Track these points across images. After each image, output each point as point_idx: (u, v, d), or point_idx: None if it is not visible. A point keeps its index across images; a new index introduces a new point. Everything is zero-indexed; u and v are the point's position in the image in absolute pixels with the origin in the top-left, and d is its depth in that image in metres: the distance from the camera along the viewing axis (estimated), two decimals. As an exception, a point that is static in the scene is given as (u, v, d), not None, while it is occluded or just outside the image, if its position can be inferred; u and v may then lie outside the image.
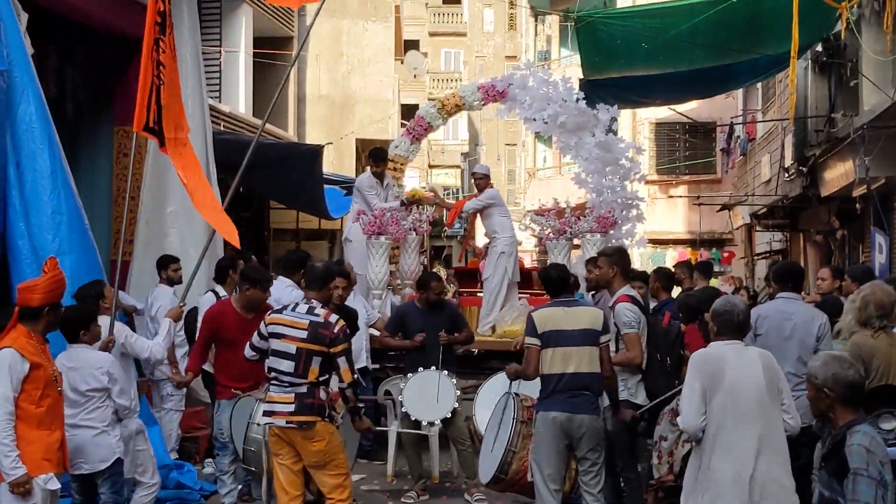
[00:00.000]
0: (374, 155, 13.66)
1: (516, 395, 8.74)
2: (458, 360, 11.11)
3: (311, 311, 7.63)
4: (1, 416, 6.28)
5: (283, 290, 9.65)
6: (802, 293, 8.99)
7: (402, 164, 14.34)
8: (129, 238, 12.80)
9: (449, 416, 10.04)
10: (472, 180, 14.25)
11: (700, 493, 6.15)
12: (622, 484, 8.82)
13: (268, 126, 21.84)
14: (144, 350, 8.52)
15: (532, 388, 8.65)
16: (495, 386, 9.75)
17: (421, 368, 10.32)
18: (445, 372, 10.23)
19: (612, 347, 8.59)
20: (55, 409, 6.62)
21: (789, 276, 8.59)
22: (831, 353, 5.43)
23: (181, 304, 9.12)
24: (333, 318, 7.65)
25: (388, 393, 11.07)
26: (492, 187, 13.51)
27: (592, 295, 10.83)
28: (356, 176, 24.92)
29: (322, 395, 7.56)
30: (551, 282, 8.34)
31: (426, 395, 10.16)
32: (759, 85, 22.12)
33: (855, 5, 13.45)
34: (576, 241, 13.38)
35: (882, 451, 5.03)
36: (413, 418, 10.21)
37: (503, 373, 9.32)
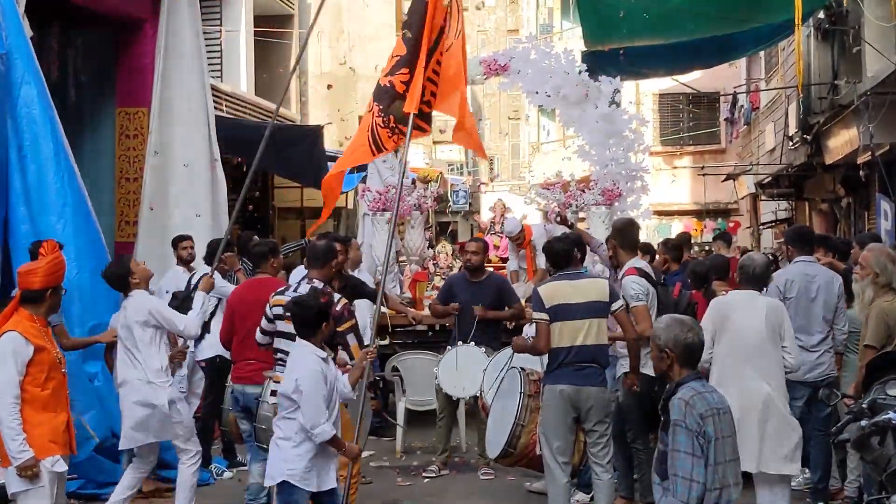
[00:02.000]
0: None
1: (522, 368, 8.73)
2: (501, 334, 10.73)
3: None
4: (6, 400, 6.27)
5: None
6: (815, 255, 9.11)
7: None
8: (133, 220, 12.83)
9: (478, 392, 9.94)
10: (511, 241, 14.16)
11: None
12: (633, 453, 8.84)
13: (270, 104, 21.86)
14: (180, 322, 8.21)
15: (530, 361, 8.68)
16: (503, 360, 9.75)
17: (460, 343, 10.24)
18: (482, 348, 10.11)
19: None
20: (60, 392, 6.60)
21: (806, 239, 9.19)
22: (674, 316, 5.69)
23: (210, 276, 8.95)
24: (336, 296, 7.65)
25: (395, 369, 11.08)
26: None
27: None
28: (360, 153, 24.98)
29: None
30: (556, 255, 8.30)
31: (460, 369, 10.13)
32: (761, 54, 22.04)
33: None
34: (581, 214, 13.36)
35: (704, 405, 5.19)
36: (444, 391, 10.23)
37: (509, 347, 9.34)
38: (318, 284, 7.70)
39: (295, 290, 7.70)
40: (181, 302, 9.80)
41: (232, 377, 8.75)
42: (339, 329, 7.53)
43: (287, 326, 7.51)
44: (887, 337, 7.51)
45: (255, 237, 12.20)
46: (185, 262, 11.13)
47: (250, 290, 8.81)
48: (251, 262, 9.53)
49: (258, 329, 7.85)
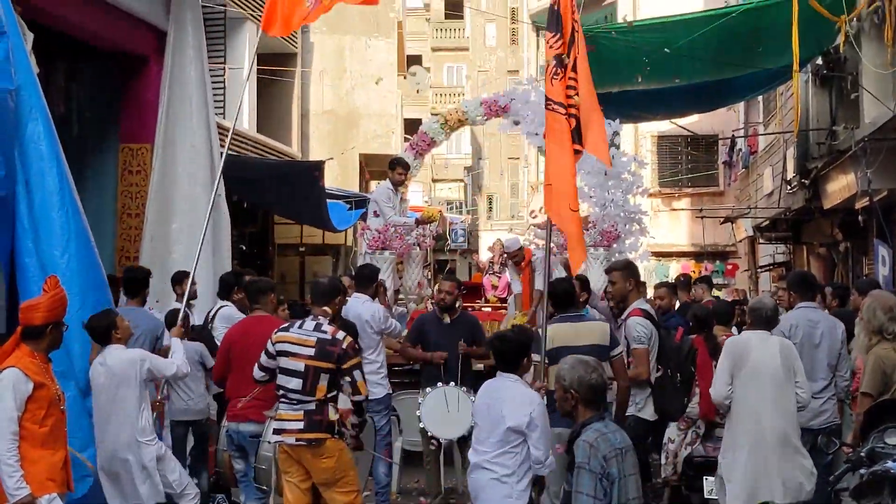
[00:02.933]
0: (398, 162, 13.62)
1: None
2: (476, 375, 10.49)
3: (318, 327, 7.64)
4: (4, 436, 6.28)
5: (360, 304, 9.66)
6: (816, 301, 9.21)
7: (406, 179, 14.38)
8: (134, 255, 12.88)
9: (466, 433, 9.85)
10: (509, 259, 14.15)
11: (731, 451, 7.76)
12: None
13: (271, 142, 21.98)
14: (170, 367, 8.16)
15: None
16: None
17: (440, 384, 10.08)
18: (463, 388, 9.98)
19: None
20: (59, 429, 6.62)
21: (808, 285, 9.36)
22: (578, 358, 5.79)
23: (180, 325, 8.97)
24: (340, 334, 7.67)
25: (392, 409, 11.07)
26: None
27: (611, 309, 10.38)
28: (359, 190, 25.10)
29: (331, 412, 7.57)
30: (558, 296, 8.34)
31: (443, 411, 9.98)
32: (759, 98, 22.16)
33: (854, 18, 13.49)
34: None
35: (608, 447, 5.29)
36: (430, 434, 10.08)
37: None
38: (323, 321, 7.72)
39: (300, 327, 7.69)
40: (198, 334, 9.96)
41: (227, 415, 8.76)
42: (343, 367, 7.53)
43: (291, 363, 7.54)
44: (884, 385, 7.54)
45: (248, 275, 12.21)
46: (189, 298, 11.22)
47: (247, 327, 8.85)
48: (248, 300, 9.53)
49: (256, 365, 7.82)
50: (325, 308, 7.90)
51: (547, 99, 8.25)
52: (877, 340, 7.76)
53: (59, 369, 7.45)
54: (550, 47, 8.64)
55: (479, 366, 10.77)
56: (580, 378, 5.53)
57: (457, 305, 10.53)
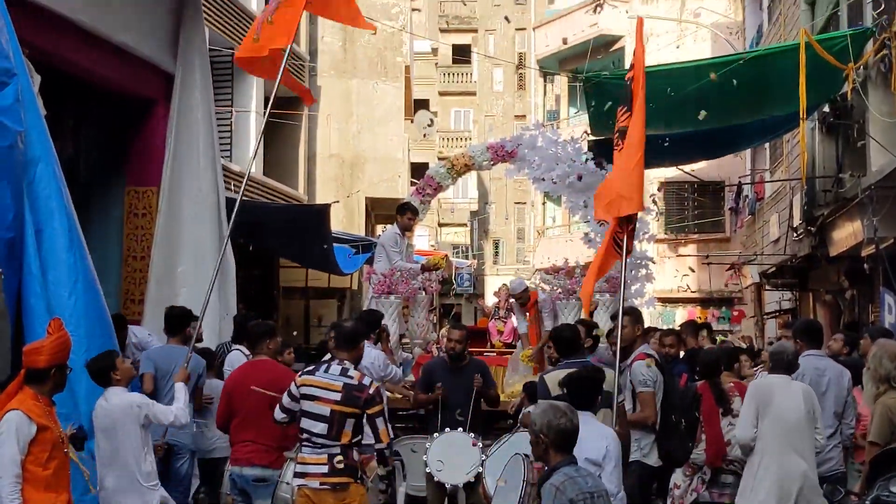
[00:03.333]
0: (408, 207, 13.67)
1: (527, 456, 8.68)
2: (484, 420, 10.52)
3: (344, 372, 7.63)
4: (7, 479, 6.24)
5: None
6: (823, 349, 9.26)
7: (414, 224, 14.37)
8: (139, 299, 12.86)
9: (472, 480, 9.82)
10: (514, 300, 14.15)
11: (751, 491, 7.98)
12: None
13: (278, 185, 22.04)
14: (168, 415, 8.11)
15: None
16: (506, 449, 9.65)
17: (448, 429, 10.05)
18: (472, 434, 9.93)
19: (628, 406, 8.61)
20: (62, 472, 6.58)
21: (815, 333, 9.58)
22: (549, 402, 5.90)
23: (184, 366, 8.96)
24: (367, 380, 7.67)
25: (395, 453, 11.00)
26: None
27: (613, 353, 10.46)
28: (365, 234, 25.12)
29: (355, 456, 7.56)
30: (563, 342, 8.32)
31: (451, 456, 9.92)
32: (766, 145, 22.20)
33: (861, 66, 13.52)
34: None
35: (575, 490, 5.35)
36: (436, 479, 10.01)
37: (514, 435, 9.30)
38: (349, 366, 7.72)
39: (326, 371, 7.67)
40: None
41: (230, 459, 8.73)
42: (368, 412, 7.53)
43: (317, 407, 7.51)
44: (891, 434, 7.51)
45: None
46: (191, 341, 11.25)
47: (247, 371, 8.84)
48: (249, 343, 9.53)
49: (277, 406, 7.77)
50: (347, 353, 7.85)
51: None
52: (884, 389, 7.75)
53: (64, 412, 7.43)
54: (619, 120, 9.31)
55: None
56: (549, 422, 5.61)
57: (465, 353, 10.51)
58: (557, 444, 5.60)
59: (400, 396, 11.42)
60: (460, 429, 9.99)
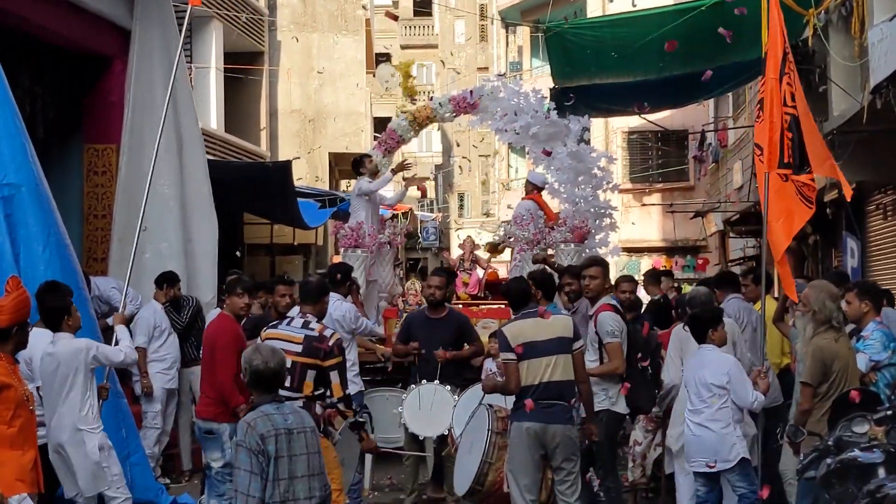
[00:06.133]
0: (365, 156, 13.72)
1: (490, 405, 8.73)
2: (465, 371, 10.59)
3: (306, 325, 7.72)
4: (-28, 439, 6.21)
5: (331, 304, 9.62)
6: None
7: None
8: (101, 257, 12.77)
9: (445, 432, 9.94)
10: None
11: (680, 425, 8.44)
12: (599, 492, 8.86)
13: (240, 141, 21.88)
14: (118, 354, 8.23)
15: (498, 397, 8.67)
16: (471, 397, 9.71)
17: (424, 381, 10.14)
18: (448, 387, 10.01)
19: (594, 357, 8.65)
20: (28, 429, 6.54)
21: (731, 280, 10.69)
22: (262, 345, 6.23)
23: (123, 312, 9.13)
24: (328, 331, 7.72)
25: (364, 406, 11.03)
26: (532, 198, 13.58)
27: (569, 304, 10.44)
28: (329, 189, 25.00)
29: (318, 409, 7.59)
30: (513, 296, 8.36)
31: (425, 409, 10.03)
32: (729, 93, 22.21)
33: (822, 11, 13.51)
34: (550, 251, 13.37)
35: (267, 426, 5.59)
36: (410, 432, 10.15)
37: (479, 384, 9.34)
38: (312, 319, 7.77)
39: (289, 324, 7.78)
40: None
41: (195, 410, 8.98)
42: (323, 364, 7.56)
43: None
44: (823, 375, 7.50)
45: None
46: (172, 301, 11.59)
47: (209, 328, 9.15)
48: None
49: None
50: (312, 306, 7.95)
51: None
52: (824, 330, 7.66)
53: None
54: (759, 91, 9.48)
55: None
56: (249, 361, 5.85)
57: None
58: (254, 384, 5.84)
59: (363, 350, 11.43)
60: (436, 381, 10.06)
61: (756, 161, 9.35)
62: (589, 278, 9.14)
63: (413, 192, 16.20)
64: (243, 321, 9.38)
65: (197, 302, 11.99)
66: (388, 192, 13.60)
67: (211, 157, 17.79)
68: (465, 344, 10.44)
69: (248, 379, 5.87)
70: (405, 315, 11.83)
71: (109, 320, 9.92)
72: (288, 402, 7.44)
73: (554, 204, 14.36)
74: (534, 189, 13.62)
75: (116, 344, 8.57)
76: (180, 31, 11.95)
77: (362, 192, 13.24)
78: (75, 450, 7.75)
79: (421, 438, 10.23)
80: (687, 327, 8.61)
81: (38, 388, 7.71)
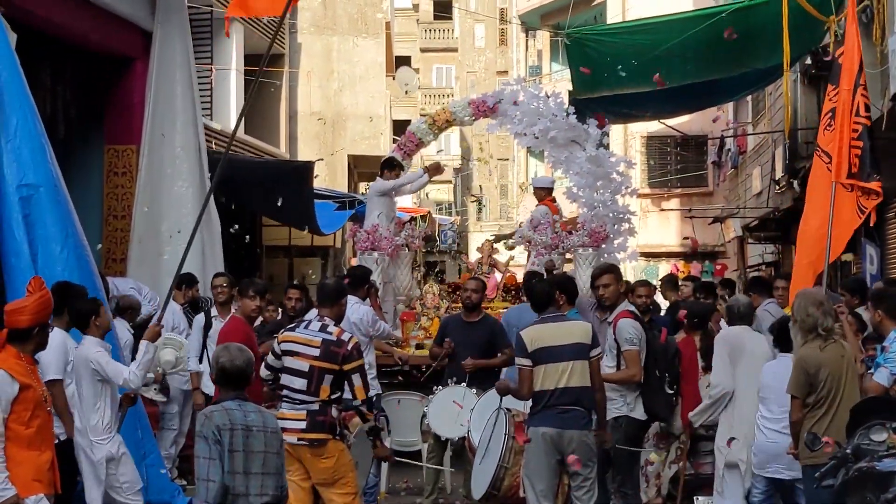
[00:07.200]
0: (397, 163, 13.72)
1: (507, 410, 8.72)
2: (494, 375, 10.30)
3: (323, 328, 7.70)
4: (-10, 438, 6.24)
5: (349, 307, 9.64)
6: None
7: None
8: (121, 257, 12.82)
9: (465, 434, 9.86)
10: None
11: (735, 430, 8.46)
12: (619, 498, 8.84)
13: (259, 143, 21.92)
14: (118, 375, 7.98)
15: (517, 401, 8.65)
16: (489, 401, 9.70)
17: (450, 381, 10.20)
18: (474, 390, 9.97)
19: (612, 363, 8.64)
20: (45, 430, 6.59)
21: (764, 285, 10.86)
22: (230, 344, 6.23)
23: (159, 325, 8.65)
24: (346, 335, 7.72)
25: (381, 410, 11.04)
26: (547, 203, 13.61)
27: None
28: (348, 191, 25.02)
29: (334, 412, 7.61)
30: (536, 297, 8.34)
31: (449, 410, 10.06)
32: (748, 98, 22.14)
33: (843, 18, 13.46)
34: (568, 256, 13.37)
35: (224, 419, 5.73)
36: (434, 433, 10.21)
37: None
38: (329, 322, 7.77)
39: (306, 327, 7.76)
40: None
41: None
42: (345, 368, 7.56)
43: (296, 363, 7.60)
44: (809, 385, 7.39)
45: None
46: (192, 303, 11.44)
47: (220, 331, 9.20)
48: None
49: (262, 364, 7.82)
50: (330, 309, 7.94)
51: (817, 146, 9.46)
52: (811, 339, 7.54)
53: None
54: (830, 99, 9.58)
55: None
56: (216, 358, 6.02)
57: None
58: (220, 380, 5.99)
59: (381, 353, 11.42)
60: (464, 384, 10.09)
61: (820, 168, 9.54)
62: (602, 287, 9.11)
63: (435, 194, 16.24)
64: (264, 324, 9.38)
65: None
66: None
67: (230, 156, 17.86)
68: (497, 350, 10.37)
69: (215, 375, 6.01)
70: (442, 318, 11.92)
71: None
72: (292, 404, 7.56)
73: (572, 208, 14.36)
74: (544, 194, 13.64)
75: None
76: (203, 35, 11.98)
77: (384, 190, 13.26)
78: (82, 455, 7.89)
79: (443, 439, 10.24)
80: (735, 328, 8.82)
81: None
